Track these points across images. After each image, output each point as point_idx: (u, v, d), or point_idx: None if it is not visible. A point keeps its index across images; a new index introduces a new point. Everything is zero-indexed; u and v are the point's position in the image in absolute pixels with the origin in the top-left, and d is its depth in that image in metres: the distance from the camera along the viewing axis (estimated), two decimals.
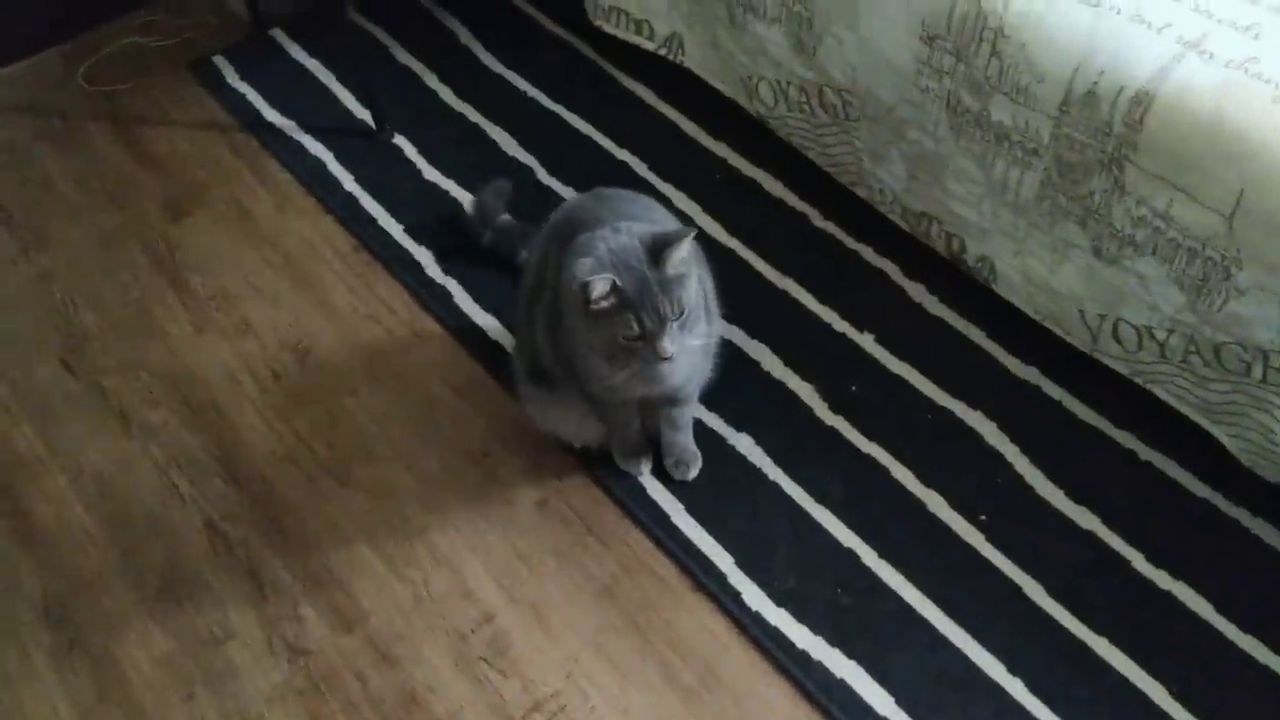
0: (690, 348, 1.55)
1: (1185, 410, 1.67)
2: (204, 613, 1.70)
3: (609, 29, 2.29)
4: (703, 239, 1.77)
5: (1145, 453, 1.73)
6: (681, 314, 1.49)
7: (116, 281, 2.14)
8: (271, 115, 2.38)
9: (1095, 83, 1.51)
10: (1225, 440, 1.64)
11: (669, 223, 1.65)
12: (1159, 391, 1.69)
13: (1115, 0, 1.53)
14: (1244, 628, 1.56)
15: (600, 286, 1.45)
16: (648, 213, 1.65)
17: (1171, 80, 1.46)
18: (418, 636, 1.66)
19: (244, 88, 2.44)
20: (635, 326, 1.47)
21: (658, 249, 1.47)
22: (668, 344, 1.48)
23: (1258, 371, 1.52)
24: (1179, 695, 1.52)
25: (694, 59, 2.21)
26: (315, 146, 2.31)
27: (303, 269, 2.12)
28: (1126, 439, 1.75)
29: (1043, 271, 1.74)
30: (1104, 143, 1.53)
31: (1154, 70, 1.47)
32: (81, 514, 1.83)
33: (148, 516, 1.81)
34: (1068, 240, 1.66)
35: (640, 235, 1.50)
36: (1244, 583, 1.60)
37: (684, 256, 1.49)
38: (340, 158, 2.29)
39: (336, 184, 2.24)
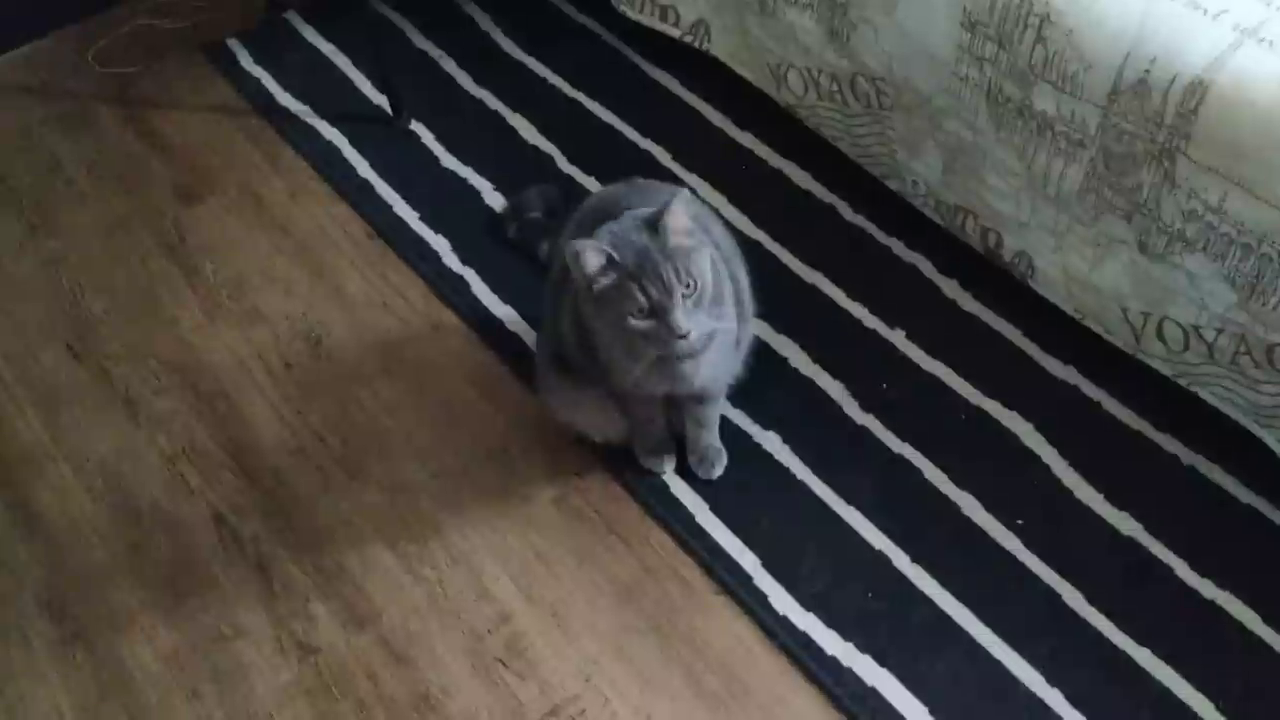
0: (715, 338, 1.48)
1: (1232, 413, 1.61)
2: (211, 609, 1.65)
3: (633, 15, 2.23)
4: (729, 231, 1.71)
5: (1188, 457, 1.67)
6: (693, 286, 1.40)
7: (125, 267, 2.09)
8: (286, 100, 2.33)
9: (1147, 71, 1.45)
10: (1274, 445, 1.58)
11: (706, 219, 1.59)
12: (1204, 394, 1.63)
13: None
14: None
15: (593, 258, 1.38)
16: None
17: (1228, 69, 1.40)
18: (432, 636, 1.60)
19: (258, 71, 2.39)
20: (641, 298, 1.38)
21: (654, 218, 1.41)
22: (680, 318, 1.39)
23: None
24: (1225, 710, 1.45)
25: (720, 46, 2.15)
26: (330, 132, 2.26)
27: (316, 256, 2.07)
28: (1169, 442, 1.69)
29: (1084, 268, 1.68)
30: (1155, 133, 1.47)
31: (1210, 58, 1.41)
32: (86, 505, 1.77)
33: (154, 509, 1.76)
34: (1112, 235, 1.60)
35: (640, 214, 1.44)
36: None
37: (684, 226, 1.41)
38: (355, 143, 2.23)
39: (351, 170, 2.19)
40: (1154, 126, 1.47)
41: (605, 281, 1.40)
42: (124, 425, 1.86)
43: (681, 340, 1.41)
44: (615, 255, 1.39)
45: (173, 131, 2.31)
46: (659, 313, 1.40)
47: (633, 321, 1.41)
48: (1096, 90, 1.51)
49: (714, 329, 1.46)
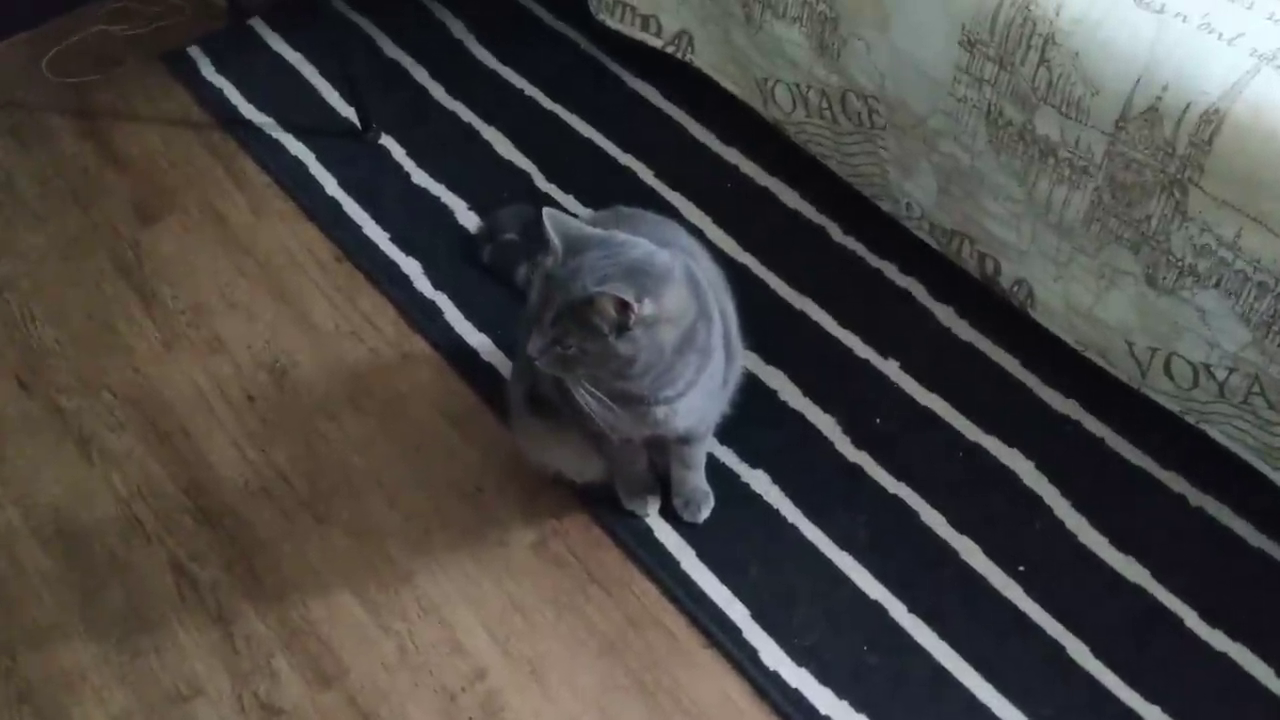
0: (699, 386, 1.40)
1: (1243, 453, 1.53)
2: (168, 665, 1.56)
3: (613, 24, 2.13)
4: (714, 253, 1.63)
5: (1196, 498, 1.60)
6: (555, 323, 1.30)
7: (79, 291, 1.98)
8: (249, 111, 2.22)
9: (1158, 98, 1.37)
10: None
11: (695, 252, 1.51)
12: (1213, 432, 1.55)
13: (1181, 7, 1.38)
14: None
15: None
16: (672, 237, 1.50)
17: (1245, 97, 1.32)
18: (402, 694, 1.51)
19: (220, 81, 2.28)
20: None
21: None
22: (533, 343, 1.32)
23: None
24: None
25: (705, 58, 2.05)
26: (296, 146, 2.15)
27: (281, 280, 1.97)
28: (1175, 481, 1.62)
29: (1087, 299, 1.60)
30: (1165, 163, 1.39)
31: (1225, 85, 1.33)
32: (36, 551, 1.67)
33: (109, 555, 1.66)
34: (1117, 267, 1.52)
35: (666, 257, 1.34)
36: None
37: (664, 313, 1.30)
38: (323, 159, 2.13)
39: (318, 187, 2.08)
40: (1165, 156, 1.38)
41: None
42: (76, 464, 1.76)
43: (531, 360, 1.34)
44: (560, 242, 1.30)
45: (131, 145, 2.21)
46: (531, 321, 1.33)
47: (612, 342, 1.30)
48: (1103, 117, 1.43)
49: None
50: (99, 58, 2.36)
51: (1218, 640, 1.48)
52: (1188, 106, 1.35)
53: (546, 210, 1.33)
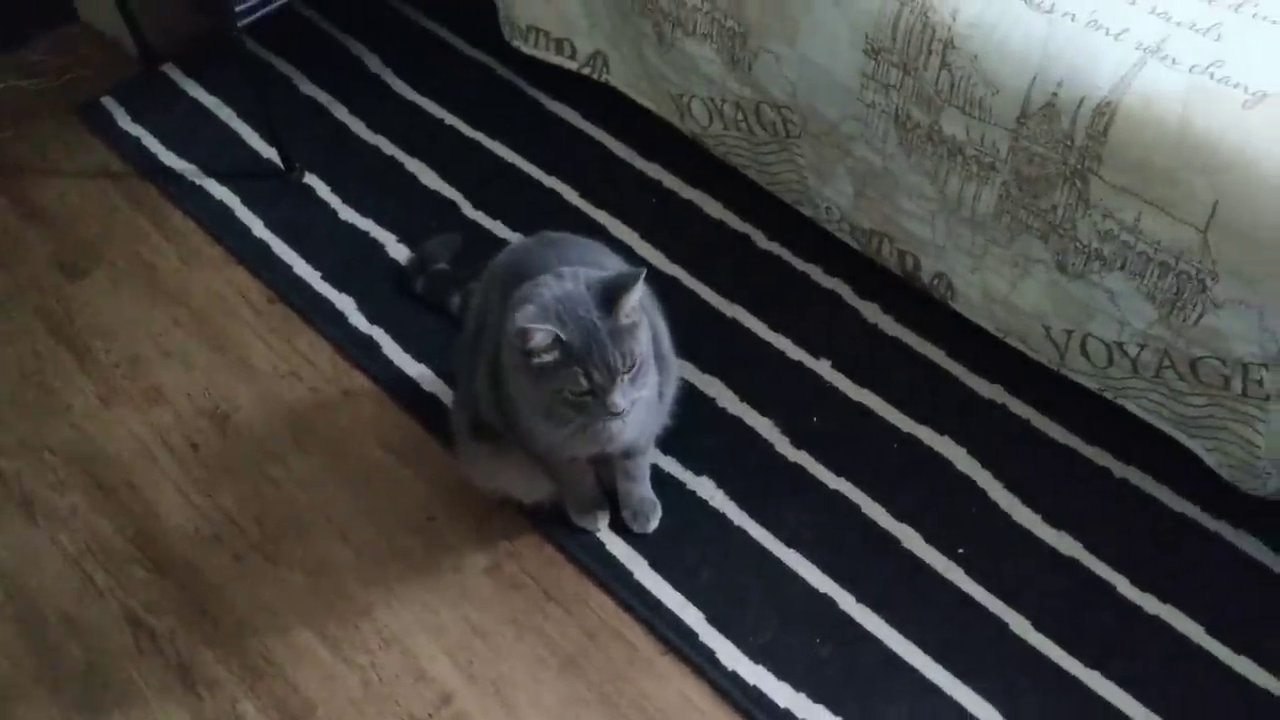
0: (642, 400, 1.45)
1: (1160, 425, 1.61)
2: (131, 719, 1.55)
3: (528, 50, 2.17)
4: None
5: (1120, 470, 1.67)
6: (633, 366, 1.38)
7: (9, 352, 1.96)
8: (170, 159, 2.22)
9: (1054, 94, 1.44)
10: (1203, 454, 1.58)
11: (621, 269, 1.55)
12: (1131, 406, 1.63)
13: (1069, 6, 1.45)
14: (1236, 649, 1.50)
15: (541, 338, 1.34)
16: (599, 259, 1.54)
17: (1134, 89, 1.39)
18: None
19: (137, 130, 2.27)
20: (584, 382, 1.36)
21: (609, 295, 1.37)
22: (619, 399, 1.38)
23: (1237, 385, 1.46)
24: None
25: (620, 77, 2.10)
26: (220, 191, 2.16)
27: (215, 327, 1.97)
28: (1099, 456, 1.69)
29: (1004, 288, 1.66)
30: (1066, 155, 1.46)
31: (1115, 79, 1.40)
32: None
33: (62, 615, 1.66)
34: (1029, 255, 1.59)
35: (588, 281, 1.39)
36: (1233, 601, 1.54)
37: (636, 303, 1.38)
38: (248, 201, 2.13)
39: (246, 230, 2.09)
40: (1064, 149, 1.45)
41: (547, 359, 1.36)
42: (21, 527, 1.75)
43: (615, 416, 1.39)
44: (563, 335, 1.34)
45: (50, 200, 2.19)
46: (598, 393, 1.37)
47: (569, 396, 1.37)
48: (1005, 114, 1.49)
49: (642, 394, 1.43)
50: (10, 113, 2.33)
51: (1150, 604, 1.55)
52: (1082, 101, 1.42)
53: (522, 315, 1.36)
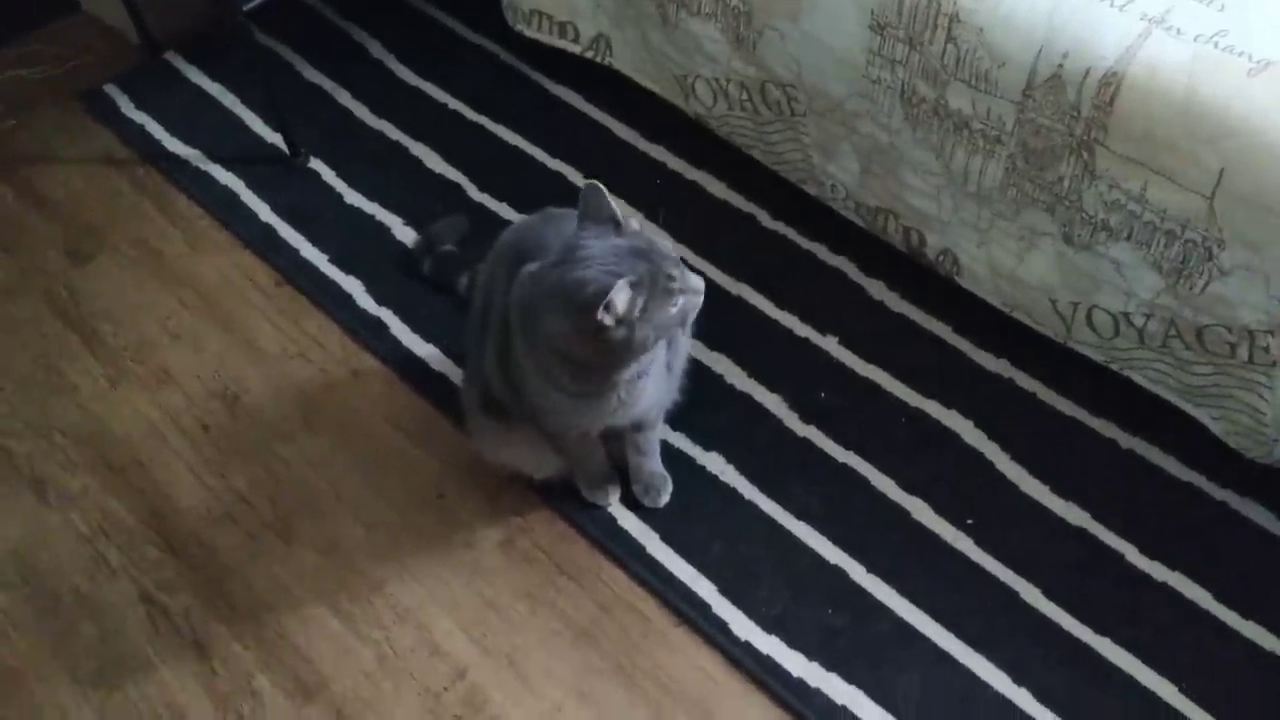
0: (649, 375, 1.46)
1: (1166, 395, 1.62)
2: (147, 696, 1.56)
3: (530, 34, 2.18)
4: None
5: (1126, 440, 1.69)
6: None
7: (18, 337, 1.97)
8: (174, 145, 2.22)
9: (1060, 65, 1.45)
10: (1209, 423, 1.60)
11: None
12: (1137, 377, 1.64)
13: None
14: (1245, 614, 1.52)
15: (625, 297, 1.31)
16: None
17: (1139, 59, 1.40)
18: (386, 700, 1.54)
19: (141, 117, 2.28)
20: (678, 294, 1.36)
21: (600, 218, 1.41)
22: (692, 277, 1.39)
23: (1243, 353, 1.47)
24: (1187, 690, 1.47)
25: (623, 60, 2.11)
26: (225, 176, 2.16)
27: (223, 309, 1.98)
28: (1106, 427, 1.70)
29: (1010, 262, 1.68)
30: (1072, 126, 1.47)
31: (1120, 50, 1.41)
32: (1, 598, 1.66)
33: (76, 594, 1.66)
34: (1035, 228, 1.60)
35: (580, 235, 1.40)
36: (1240, 567, 1.56)
37: (623, 214, 1.43)
38: (253, 186, 2.14)
39: (252, 215, 2.10)
40: (1071, 120, 1.47)
41: (637, 312, 1.33)
42: (34, 508, 1.75)
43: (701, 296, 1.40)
44: (635, 278, 1.33)
45: (55, 188, 2.19)
46: (684, 290, 1.37)
47: (672, 312, 1.36)
48: (1011, 87, 1.51)
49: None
50: (13, 103, 2.34)
51: (1158, 571, 1.57)
52: (1088, 72, 1.43)
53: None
